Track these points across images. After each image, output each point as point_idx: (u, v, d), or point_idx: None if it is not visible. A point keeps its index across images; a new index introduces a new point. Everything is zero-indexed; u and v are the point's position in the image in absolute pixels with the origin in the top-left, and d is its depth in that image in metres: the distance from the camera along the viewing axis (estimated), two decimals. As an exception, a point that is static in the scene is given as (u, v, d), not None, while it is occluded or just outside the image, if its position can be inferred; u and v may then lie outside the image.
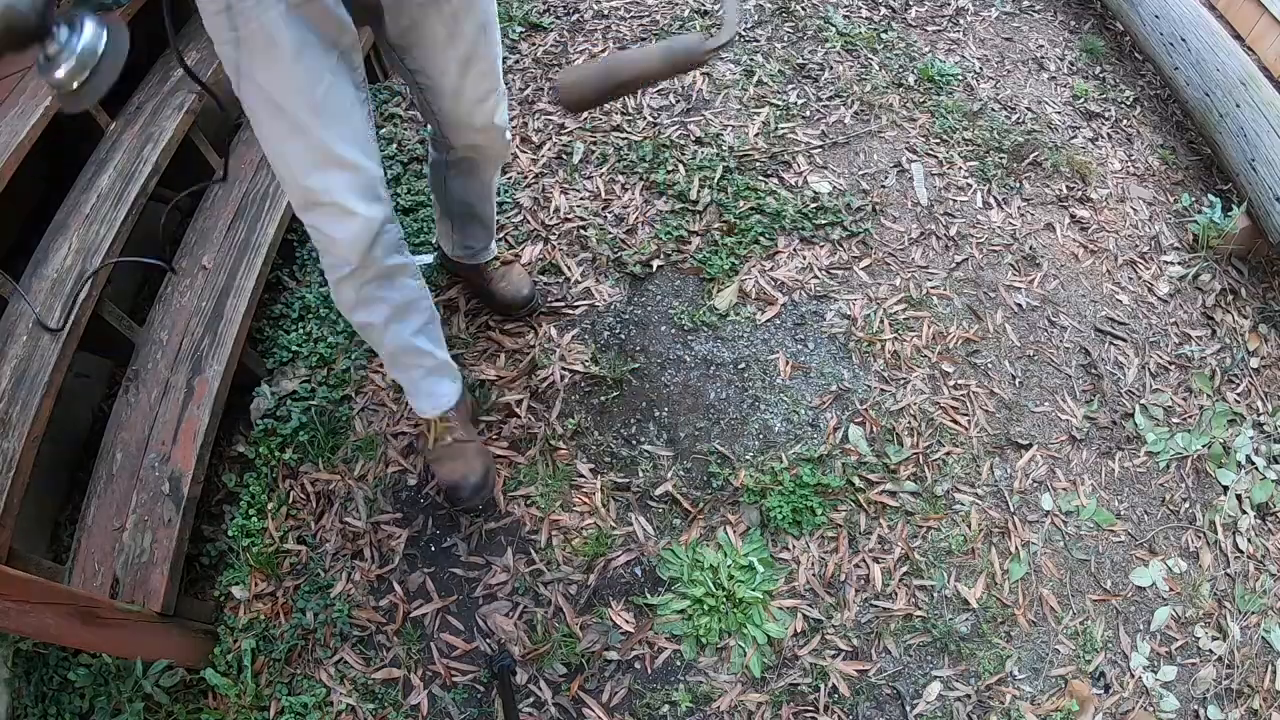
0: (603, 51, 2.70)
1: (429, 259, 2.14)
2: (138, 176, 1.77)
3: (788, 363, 1.97)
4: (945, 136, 2.50)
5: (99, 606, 1.36)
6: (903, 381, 1.95)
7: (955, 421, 1.90)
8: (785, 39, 2.77)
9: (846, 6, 2.94)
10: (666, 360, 1.98)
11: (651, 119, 2.48)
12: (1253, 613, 1.71)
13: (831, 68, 2.68)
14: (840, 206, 2.26)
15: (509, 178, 2.34)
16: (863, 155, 2.43)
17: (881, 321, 2.05)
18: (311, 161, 1.22)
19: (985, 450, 1.87)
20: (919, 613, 1.65)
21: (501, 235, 2.19)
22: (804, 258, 2.16)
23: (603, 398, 1.91)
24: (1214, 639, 1.67)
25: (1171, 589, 1.73)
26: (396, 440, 1.86)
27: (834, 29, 2.80)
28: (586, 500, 1.76)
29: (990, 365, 2.01)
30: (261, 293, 1.92)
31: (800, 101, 2.56)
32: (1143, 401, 1.98)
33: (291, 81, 1.15)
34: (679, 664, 1.58)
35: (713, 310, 2.05)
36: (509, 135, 1.57)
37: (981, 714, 1.56)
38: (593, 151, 2.39)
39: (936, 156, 2.45)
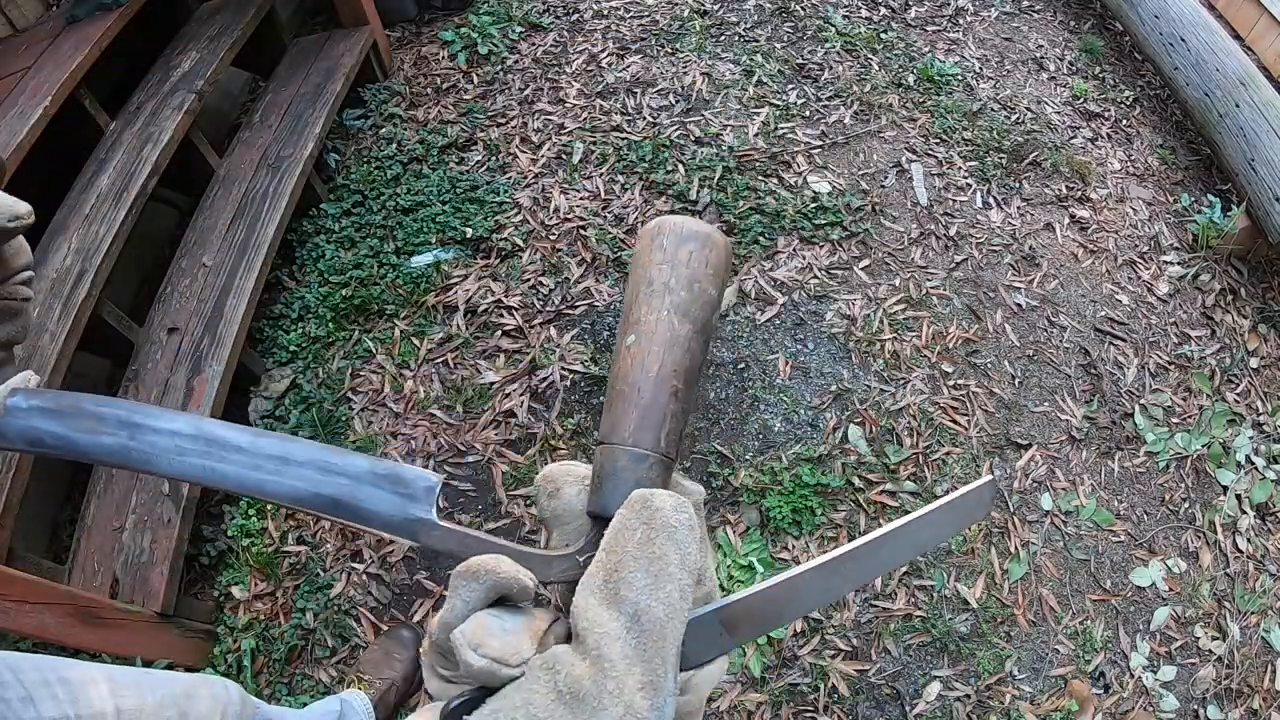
0: (602, 52, 2.70)
1: (429, 258, 2.14)
2: (137, 176, 1.78)
3: (787, 363, 1.97)
4: (945, 136, 2.50)
5: (99, 606, 1.36)
6: (902, 381, 1.95)
7: (955, 421, 1.90)
8: (785, 39, 2.77)
9: (846, 6, 2.94)
10: (666, 360, 1.97)
11: (651, 119, 2.48)
12: (1252, 613, 1.71)
13: (831, 68, 2.68)
14: (840, 206, 2.26)
15: (509, 177, 2.35)
16: (862, 155, 2.43)
17: (881, 321, 2.05)
18: None
19: (985, 450, 1.87)
20: (919, 613, 1.65)
21: (503, 235, 2.20)
22: (804, 258, 2.16)
23: (603, 398, 1.91)
24: (1214, 639, 1.67)
25: (1171, 589, 1.73)
26: (396, 440, 1.86)
27: (834, 29, 2.80)
28: (586, 500, 1.76)
29: (990, 365, 2.01)
30: (261, 292, 1.92)
31: (800, 101, 2.56)
32: (1142, 401, 1.98)
33: None
34: (679, 664, 1.58)
35: (712, 310, 2.05)
36: None
37: (981, 714, 1.56)
38: (592, 151, 2.39)
39: (936, 156, 2.45)
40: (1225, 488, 1.87)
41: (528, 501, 1.76)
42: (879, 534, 0.37)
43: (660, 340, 0.34)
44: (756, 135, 2.44)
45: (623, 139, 2.42)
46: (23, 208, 0.43)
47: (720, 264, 0.36)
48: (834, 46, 2.74)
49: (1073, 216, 2.36)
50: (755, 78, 2.61)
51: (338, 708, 1.32)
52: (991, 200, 2.36)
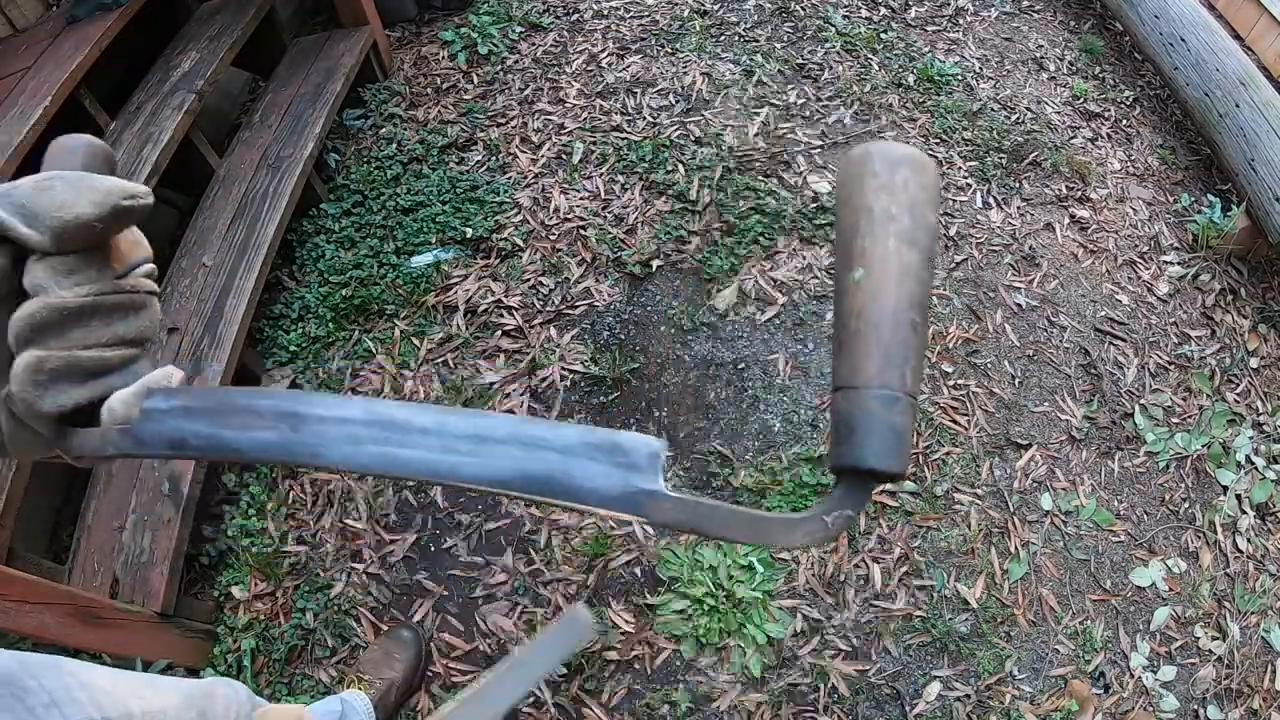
0: (602, 52, 2.70)
1: (429, 258, 2.14)
2: (137, 176, 1.77)
3: (787, 363, 1.97)
4: (945, 136, 2.50)
5: (99, 606, 1.36)
6: (902, 381, 1.95)
7: (955, 421, 1.90)
8: (785, 39, 2.77)
9: (846, 6, 2.94)
10: (666, 360, 1.98)
11: (651, 119, 2.48)
12: (1252, 613, 1.71)
13: (831, 68, 2.68)
14: (840, 206, 2.26)
15: (509, 177, 2.35)
16: (862, 155, 2.43)
17: (881, 321, 2.04)
18: None
19: (985, 450, 1.87)
20: (919, 613, 1.65)
21: (503, 235, 2.20)
22: (804, 258, 2.16)
23: (603, 398, 1.91)
24: (1214, 639, 1.67)
25: (1171, 589, 1.73)
26: (396, 440, 1.86)
27: (834, 29, 2.80)
28: (586, 500, 1.76)
29: (990, 365, 2.01)
30: (261, 292, 1.92)
31: (800, 101, 2.56)
32: (1142, 401, 1.98)
33: None
34: (679, 664, 1.58)
35: (712, 310, 2.05)
36: None
37: (981, 714, 1.56)
38: (592, 151, 2.39)
39: (936, 156, 2.45)
40: (1225, 488, 1.87)
41: (527, 501, 1.76)
42: (499, 670, 0.42)
43: (892, 272, 0.32)
44: (756, 135, 2.44)
45: (623, 139, 2.42)
46: (141, 188, 0.42)
47: (934, 187, 0.34)
48: (834, 46, 2.74)
49: (1073, 216, 2.36)
50: (755, 78, 2.61)
51: (339, 708, 1.32)
52: (991, 200, 2.36)
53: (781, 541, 0.33)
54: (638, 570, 1.68)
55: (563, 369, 1.94)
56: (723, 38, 2.76)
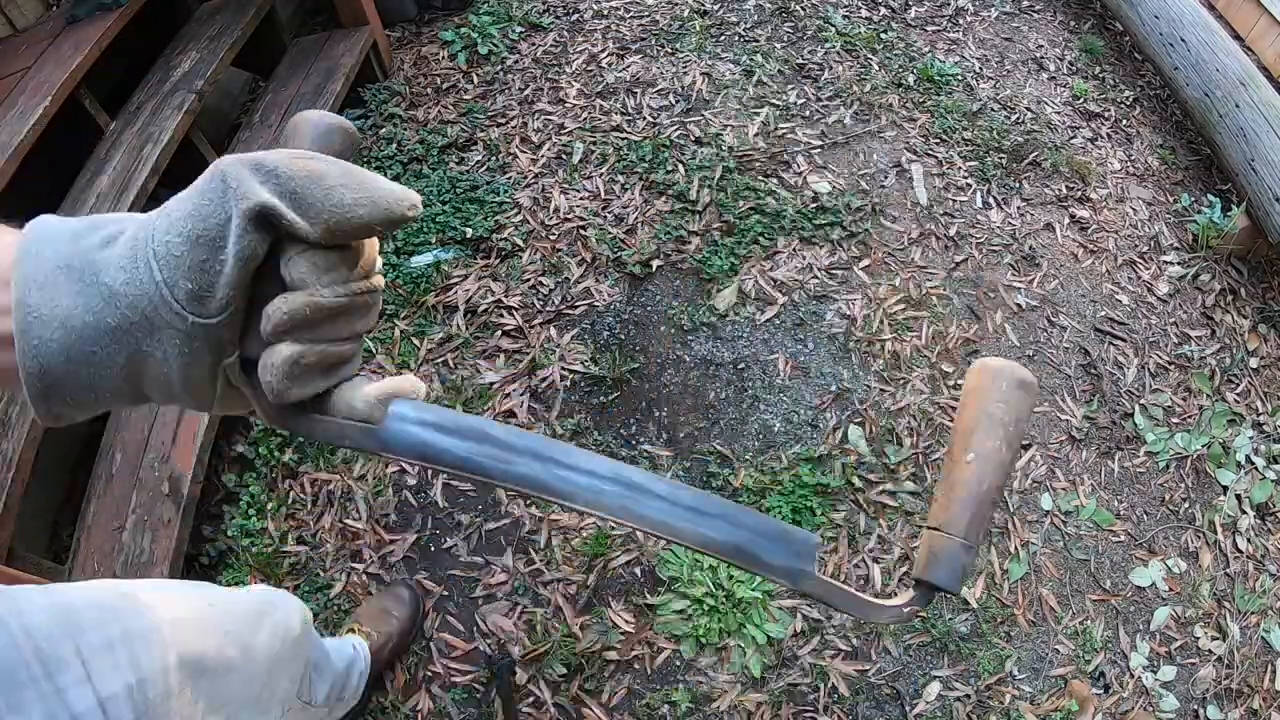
0: (602, 52, 2.70)
1: (429, 258, 2.14)
2: (137, 176, 1.78)
3: (787, 363, 1.97)
4: (945, 136, 2.50)
5: (99, 606, 1.36)
6: (902, 381, 1.95)
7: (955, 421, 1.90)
8: (785, 39, 2.77)
9: (846, 6, 2.94)
10: (666, 360, 1.98)
11: (651, 119, 2.48)
12: (1252, 613, 1.71)
13: (831, 68, 2.68)
14: (840, 206, 2.26)
15: (509, 177, 2.35)
16: (862, 155, 2.43)
17: (881, 321, 2.05)
18: None
19: (985, 450, 1.87)
20: (919, 613, 1.64)
21: (503, 235, 2.20)
22: (804, 258, 2.16)
23: (602, 398, 1.91)
24: (1214, 639, 1.67)
25: (1171, 589, 1.73)
26: (396, 440, 1.86)
27: (834, 29, 2.80)
28: (586, 500, 1.76)
29: (990, 365, 2.01)
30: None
31: (800, 101, 2.56)
32: (1142, 401, 1.98)
33: None
34: (679, 664, 1.58)
35: (712, 310, 2.05)
36: None
37: (981, 714, 1.56)
38: (592, 151, 2.39)
39: (936, 156, 2.45)
40: (1225, 488, 1.87)
41: (527, 501, 1.76)
42: None
43: (993, 464, 0.44)
44: (756, 135, 2.44)
45: (623, 139, 2.42)
46: (419, 197, 0.42)
47: (1033, 404, 0.46)
48: (834, 46, 2.74)
49: (1073, 216, 2.36)
50: (755, 78, 2.61)
51: (352, 652, 1.33)
52: (991, 200, 2.36)
53: (875, 619, 0.45)
54: (638, 570, 1.68)
55: (563, 369, 1.94)
56: (723, 38, 2.76)
